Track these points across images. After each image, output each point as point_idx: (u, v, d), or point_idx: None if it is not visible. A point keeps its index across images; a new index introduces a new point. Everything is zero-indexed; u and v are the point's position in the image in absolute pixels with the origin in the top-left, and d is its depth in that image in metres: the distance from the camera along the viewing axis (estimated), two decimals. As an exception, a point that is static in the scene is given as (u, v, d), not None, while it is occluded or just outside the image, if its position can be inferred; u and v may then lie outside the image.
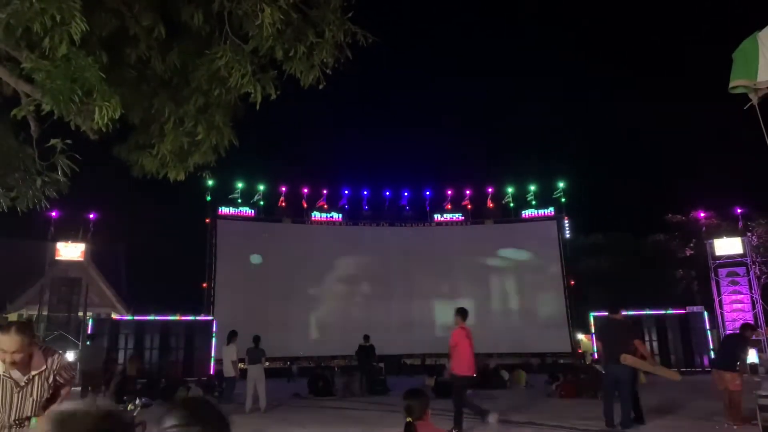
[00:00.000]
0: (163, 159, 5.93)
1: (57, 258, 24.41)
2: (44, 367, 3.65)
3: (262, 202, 25.75)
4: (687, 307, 22.62)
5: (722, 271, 22.87)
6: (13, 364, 3.49)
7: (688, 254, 30.32)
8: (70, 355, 19.34)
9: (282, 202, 26.00)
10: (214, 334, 20.42)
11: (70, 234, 24.78)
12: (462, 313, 9.57)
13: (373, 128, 55.70)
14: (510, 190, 27.01)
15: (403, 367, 23.51)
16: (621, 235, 31.39)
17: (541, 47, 54.17)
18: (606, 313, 9.22)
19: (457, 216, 27.10)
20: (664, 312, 22.33)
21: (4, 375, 3.54)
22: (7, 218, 6.57)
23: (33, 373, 3.61)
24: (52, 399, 3.72)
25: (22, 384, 3.58)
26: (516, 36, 55.19)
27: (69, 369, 3.86)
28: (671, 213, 31.42)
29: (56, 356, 3.75)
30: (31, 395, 3.60)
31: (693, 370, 20.92)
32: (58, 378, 3.72)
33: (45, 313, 22.42)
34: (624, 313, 9.44)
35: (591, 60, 53.82)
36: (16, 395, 3.56)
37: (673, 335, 21.88)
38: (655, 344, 22.04)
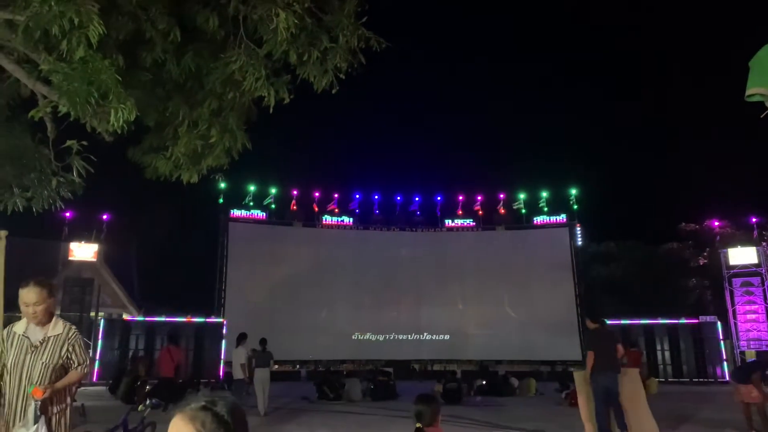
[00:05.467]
0: (177, 161, 5.98)
1: (70, 258, 24.65)
2: (60, 332, 3.84)
3: (273, 206, 25.85)
4: (700, 317, 22.40)
5: (736, 281, 22.60)
6: (35, 317, 3.73)
7: (701, 263, 30.01)
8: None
9: (293, 205, 26.09)
10: (224, 336, 20.51)
11: (83, 235, 25.03)
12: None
13: (384, 132, 55.77)
14: (522, 196, 26.90)
15: (412, 373, 23.46)
16: (634, 243, 31.10)
17: (556, 53, 54.00)
18: (593, 321, 8.87)
19: (469, 222, 27.03)
20: (676, 321, 22.13)
21: (23, 335, 3.77)
22: (22, 218, 6.65)
23: (49, 334, 3.81)
24: (59, 377, 3.82)
25: (37, 344, 3.76)
26: (529, 41, 55.05)
27: (83, 351, 3.95)
28: (685, 222, 31.15)
29: (74, 329, 3.93)
30: (42, 358, 3.76)
31: (705, 380, 20.72)
32: (70, 352, 3.84)
33: (58, 312, 22.58)
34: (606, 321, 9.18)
35: (606, 67, 53.52)
36: (29, 356, 3.73)
37: (686, 345, 21.69)
38: (666, 354, 21.85)
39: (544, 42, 53.83)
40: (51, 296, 3.83)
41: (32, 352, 3.75)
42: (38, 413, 3.64)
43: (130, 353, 19.32)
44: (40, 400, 3.63)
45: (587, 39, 54.70)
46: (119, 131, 4.89)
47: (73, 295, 20.86)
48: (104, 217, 25.77)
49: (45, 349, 3.77)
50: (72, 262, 24.66)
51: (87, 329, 21.64)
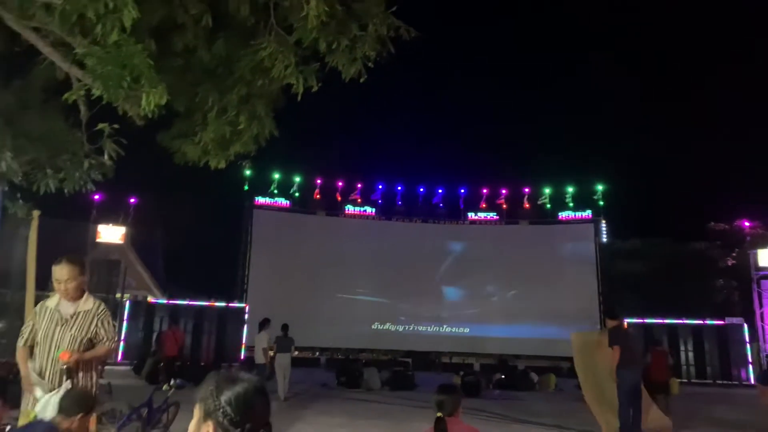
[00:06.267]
0: (205, 147, 6.05)
1: (98, 240, 25.14)
2: (90, 307, 3.96)
3: (297, 194, 26.00)
4: (726, 319, 21.98)
5: (765, 283, 22.10)
6: (66, 293, 3.87)
7: (729, 264, 29.41)
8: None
9: (317, 194, 26.19)
10: (246, 321, 20.78)
11: (111, 217, 25.50)
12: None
13: (409, 123, 55.60)
14: (547, 190, 26.60)
15: (430, 364, 23.50)
16: (660, 241, 30.58)
17: (585, 45, 53.13)
18: (613, 319, 8.94)
19: (492, 215, 26.84)
20: (701, 322, 21.76)
21: (54, 309, 3.91)
22: (53, 199, 6.81)
23: (79, 309, 3.94)
24: (86, 351, 3.92)
25: (67, 318, 3.89)
26: (556, 32, 54.28)
27: (111, 327, 4.05)
28: (714, 221, 30.52)
29: (104, 306, 4.07)
30: (71, 331, 3.88)
31: (730, 383, 20.37)
32: (99, 327, 3.95)
33: (100, 301, 23.13)
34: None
35: (637, 61, 52.52)
36: (59, 328, 3.86)
37: (710, 347, 21.31)
38: (690, 355, 21.52)
39: (572, 35, 53.02)
40: (82, 273, 3.96)
41: (62, 325, 3.88)
42: (65, 378, 3.75)
43: (154, 335, 19.68)
44: (66, 364, 3.75)
45: (618, 32, 53.72)
46: (150, 115, 4.96)
47: (100, 277, 21.27)
48: (131, 200, 26.21)
49: (75, 323, 3.90)
50: (100, 244, 25.14)
51: (113, 310, 22.09)
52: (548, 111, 50.85)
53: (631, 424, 8.29)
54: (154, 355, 15.97)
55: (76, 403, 3.04)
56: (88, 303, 3.99)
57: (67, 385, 3.74)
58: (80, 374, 3.88)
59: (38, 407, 3.64)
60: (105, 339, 3.96)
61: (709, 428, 10.14)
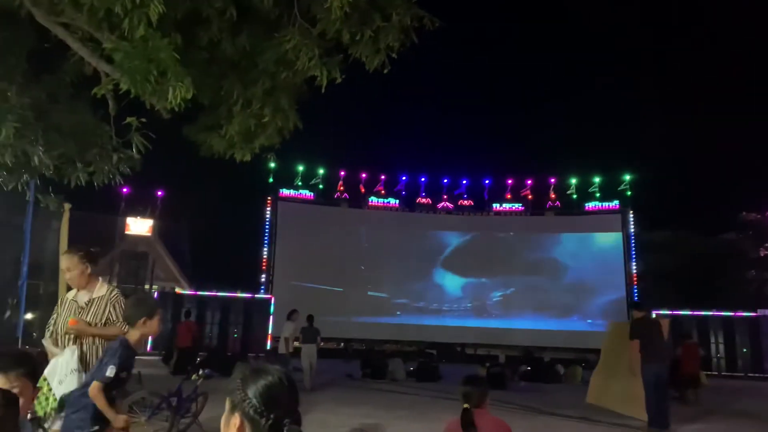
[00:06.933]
0: (231, 140, 6.08)
1: (126, 232, 25.62)
2: (104, 293, 4.13)
3: (321, 186, 26.11)
4: (759, 310, 21.50)
5: (799, 275, 21.59)
6: (72, 282, 4.08)
7: (762, 255, 28.74)
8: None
9: (340, 186, 26.27)
10: (271, 312, 20.99)
11: (139, 210, 25.95)
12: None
13: (433, 114, 55.31)
14: (573, 181, 26.26)
15: (455, 356, 23.49)
16: (690, 231, 30.00)
17: (612, 33, 52.14)
18: (639, 311, 9.08)
19: (517, 206, 26.61)
20: (732, 314, 21.33)
21: (72, 300, 4.11)
22: (83, 192, 6.95)
23: (94, 296, 4.11)
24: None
25: (83, 305, 4.06)
26: (582, 22, 53.30)
27: (123, 310, 4.08)
28: (745, 211, 29.82)
29: (116, 291, 4.22)
30: (86, 317, 4.03)
31: (762, 376, 19.97)
32: (111, 311, 4.08)
33: (114, 284, 23.57)
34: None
35: (665, 50, 51.35)
36: (75, 316, 4.03)
37: (741, 339, 20.91)
38: (721, 347, 21.13)
39: (594, 25, 52.04)
40: (83, 262, 4.08)
41: (78, 312, 4.04)
42: (71, 343, 3.94)
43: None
44: (72, 330, 3.94)
45: (647, 19, 52.61)
46: (176, 109, 5.00)
47: (128, 269, 21.68)
48: (158, 193, 26.61)
49: (90, 310, 4.06)
50: (128, 236, 25.62)
51: (142, 301, 22.52)
52: (574, 99, 50.04)
53: (657, 414, 8.24)
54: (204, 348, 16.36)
55: (14, 360, 2.52)
56: (101, 290, 4.16)
57: (72, 348, 3.88)
58: (84, 347, 3.96)
59: (47, 370, 3.77)
60: (116, 321, 4.05)
61: (741, 421, 9.96)
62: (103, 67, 5.30)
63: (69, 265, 4.05)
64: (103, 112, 6.24)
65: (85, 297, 4.10)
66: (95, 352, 3.98)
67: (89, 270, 4.11)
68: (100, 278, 4.22)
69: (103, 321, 4.05)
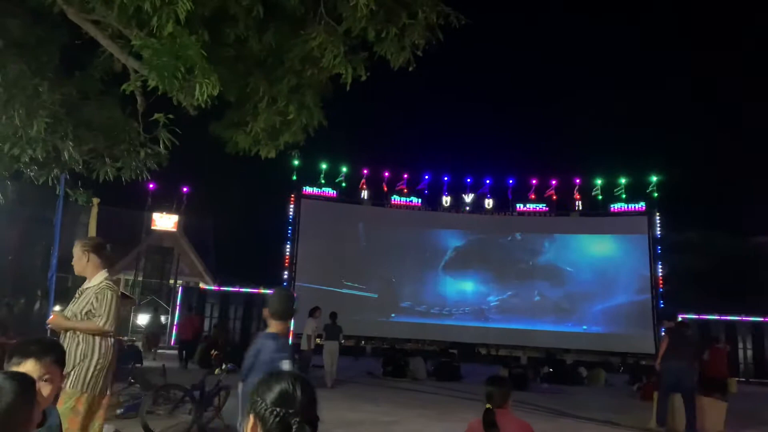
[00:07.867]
0: (256, 137, 6.13)
1: (153, 228, 26.02)
2: (95, 283, 4.06)
3: (344, 184, 26.17)
4: (789, 316, 20.99)
5: (832, 280, 21.01)
6: (77, 272, 4.14)
7: (794, 259, 28.05)
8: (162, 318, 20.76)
9: (363, 184, 26.31)
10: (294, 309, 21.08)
11: (165, 205, 26.33)
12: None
13: (456, 113, 55.04)
14: (599, 182, 25.90)
15: (476, 356, 23.37)
16: (719, 233, 29.38)
17: (638, 31, 51.31)
18: (669, 321, 9.08)
19: (541, 207, 26.33)
20: (762, 319, 20.85)
21: (80, 289, 4.12)
22: (110, 187, 7.07)
23: (86, 286, 4.10)
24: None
25: (77, 295, 4.09)
26: (608, 21, 52.51)
27: (106, 303, 3.95)
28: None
29: (105, 283, 4.04)
30: (74, 305, 4.02)
31: (792, 383, 19.49)
32: (93, 301, 3.96)
33: (140, 278, 24.03)
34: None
35: (695, 47, 50.30)
36: (71, 305, 4.05)
37: (772, 345, 20.44)
38: (749, 353, 20.67)
39: (621, 24, 51.25)
40: (84, 252, 4.09)
41: (74, 302, 4.06)
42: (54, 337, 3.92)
43: (206, 321, 20.23)
44: (51, 325, 4.02)
45: (674, 13, 51.62)
46: (203, 105, 5.06)
47: (154, 263, 22.06)
48: (184, 189, 26.96)
49: (80, 298, 4.04)
50: (154, 231, 26.01)
51: (166, 296, 22.89)
52: (599, 98, 49.38)
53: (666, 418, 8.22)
54: (205, 340, 16.48)
55: (47, 347, 2.37)
56: (95, 280, 4.07)
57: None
58: (66, 342, 3.85)
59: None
60: (95, 315, 3.92)
61: (761, 428, 9.73)
62: (131, 64, 5.38)
63: (74, 255, 4.12)
64: (132, 109, 6.34)
65: (85, 287, 4.11)
66: (75, 346, 3.84)
67: (88, 259, 4.07)
68: (102, 270, 4.10)
69: (86, 310, 3.93)
